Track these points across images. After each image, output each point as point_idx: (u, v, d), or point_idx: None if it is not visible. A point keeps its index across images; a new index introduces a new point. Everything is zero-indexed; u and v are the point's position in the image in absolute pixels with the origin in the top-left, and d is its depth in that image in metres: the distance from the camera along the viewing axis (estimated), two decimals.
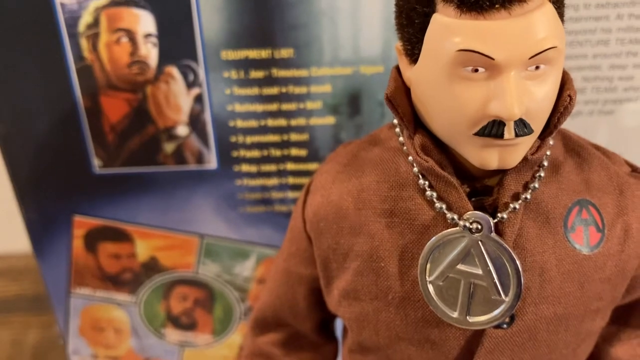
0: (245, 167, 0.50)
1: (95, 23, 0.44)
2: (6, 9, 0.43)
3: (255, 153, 0.49)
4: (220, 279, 0.55)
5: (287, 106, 0.48)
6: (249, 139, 0.49)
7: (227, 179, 0.51)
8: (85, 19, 0.44)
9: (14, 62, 0.46)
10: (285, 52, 0.45)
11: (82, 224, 0.52)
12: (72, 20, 0.43)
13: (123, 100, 0.47)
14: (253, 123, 0.48)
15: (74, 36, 0.44)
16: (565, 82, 0.27)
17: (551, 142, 0.28)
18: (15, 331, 0.86)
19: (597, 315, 0.31)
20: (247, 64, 0.46)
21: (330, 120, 0.48)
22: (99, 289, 0.56)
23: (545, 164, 0.28)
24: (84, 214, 0.52)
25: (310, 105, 0.47)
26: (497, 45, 0.23)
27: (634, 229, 0.30)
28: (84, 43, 0.45)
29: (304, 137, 0.48)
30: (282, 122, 0.48)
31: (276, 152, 0.49)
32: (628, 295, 0.33)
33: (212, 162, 0.50)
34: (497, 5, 0.23)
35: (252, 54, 0.46)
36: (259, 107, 0.47)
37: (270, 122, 0.48)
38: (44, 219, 0.53)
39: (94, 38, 0.44)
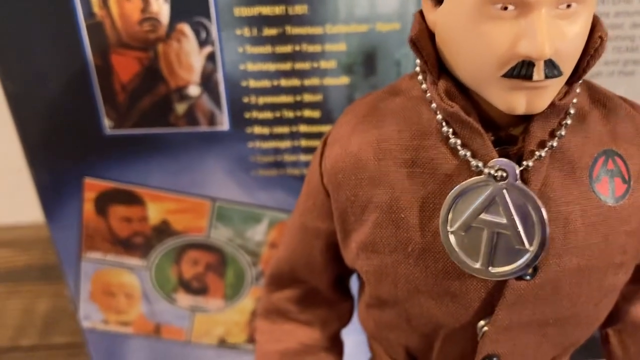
0: (257, 129, 0.50)
1: None
2: None
3: (267, 114, 0.49)
4: (232, 243, 0.55)
5: (300, 65, 0.48)
6: (262, 100, 0.49)
7: (239, 141, 0.51)
8: None
9: (23, 20, 0.46)
10: (299, 9, 0.46)
11: (93, 186, 0.53)
12: None
13: (134, 58, 0.47)
14: (266, 83, 0.48)
15: None
16: (595, 24, 0.26)
17: (578, 90, 0.28)
18: (25, 300, 0.88)
19: (621, 269, 0.30)
20: (260, 21, 0.46)
21: (344, 80, 0.47)
22: (109, 253, 0.57)
23: (572, 111, 0.27)
24: (95, 176, 0.53)
25: (324, 64, 0.47)
26: None
27: None
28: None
29: (317, 97, 0.48)
30: (295, 82, 0.48)
31: (289, 114, 0.49)
32: None
33: (224, 123, 0.50)
34: None
35: (266, 10, 0.46)
36: (271, 66, 0.48)
37: (284, 82, 0.48)
38: (54, 181, 0.54)
39: None
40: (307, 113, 0.49)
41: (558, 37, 0.24)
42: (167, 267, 0.57)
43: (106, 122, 0.50)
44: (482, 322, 0.30)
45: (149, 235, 0.56)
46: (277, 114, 0.49)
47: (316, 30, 0.46)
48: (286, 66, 0.48)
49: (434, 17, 0.26)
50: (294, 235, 0.34)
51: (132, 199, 0.54)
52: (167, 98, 0.49)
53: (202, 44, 0.47)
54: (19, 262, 0.96)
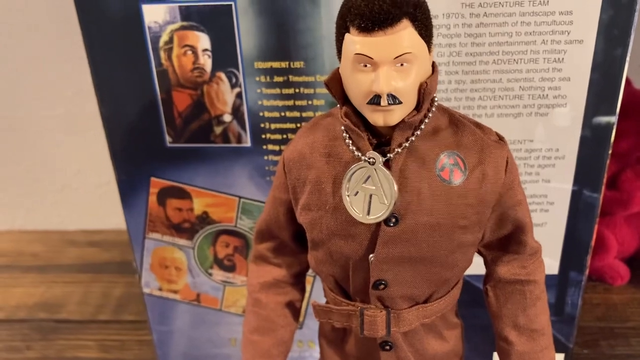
0: (270, 146, 0.66)
1: (170, 40, 0.61)
2: (115, 32, 0.62)
3: (277, 136, 0.65)
4: (252, 231, 0.73)
5: (299, 102, 0.63)
6: (273, 126, 0.65)
7: (258, 155, 0.66)
8: (164, 37, 0.61)
9: (116, 66, 0.63)
10: (297, 64, 0.61)
11: (156, 183, 0.69)
12: (155, 39, 0.61)
13: (187, 95, 0.64)
14: (276, 114, 0.64)
15: (156, 49, 0.62)
16: (434, 71, 0.43)
17: (430, 114, 0.44)
18: (104, 286, 1.07)
19: (467, 231, 0.45)
20: (271, 72, 0.62)
21: None
22: (165, 234, 0.73)
23: (423, 127, 0.44)
24: (158, 176, 0.69)
25: (316, 102, 0.63)
26: (375, 51, 0.39)
27: (489, 174, 0.45)
28: (162, 54, 0.62)
29: None
30: (296, 113, 0.64)
31: (292, 136, 0.67)
32: (502, 228, 0.48)
33: (247, 141, 0.66)
34: (376, 29, 0.40)
35: (275, 64, 0.61)
36: (279, 103, 0.63)
37: (288, 114, 0.64)
38: (130, 179, 0.69)
39: (168, 51, 0.62)
40: None
41: (394, 81, 0.40)
42: (205, 247, 0.73)
43: (167, 138, 0.66)
44: (371, 255, 0.45)
45: (193, 222, 0.71)
46: (284, 135, 0.65)
47: (310, 79, 0.62)
48: (289, 102, 0.63)
49: (340, 69, 0.45)
50: (269, 203, 0.51)
51: (183, 194, 0.69)
52: (209, 122, 0.65)
53: (233, 86, 0.63)
54: (102, 258, 1.17)
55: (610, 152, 0.64)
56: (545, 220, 0.68)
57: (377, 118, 0.42)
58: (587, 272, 0.72)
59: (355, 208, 0.44)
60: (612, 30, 0.58)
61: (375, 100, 0.40)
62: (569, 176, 0.66)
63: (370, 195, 0.44)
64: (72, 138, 1.17)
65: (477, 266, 0.54)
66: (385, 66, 0.40)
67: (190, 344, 0.82)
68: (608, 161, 0.65)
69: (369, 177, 0.44)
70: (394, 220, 0.44)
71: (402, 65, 0.40)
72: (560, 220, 0.68)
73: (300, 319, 0.78)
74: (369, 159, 0.43)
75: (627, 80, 0.95)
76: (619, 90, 0.61)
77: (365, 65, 0.40)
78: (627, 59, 0.60)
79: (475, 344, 0.76)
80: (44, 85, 1.13)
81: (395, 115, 0.42)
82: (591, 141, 0.63)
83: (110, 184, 1.21)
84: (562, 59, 0.60)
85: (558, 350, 0.77)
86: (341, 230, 0.46)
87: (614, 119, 0.62)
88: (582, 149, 0.64)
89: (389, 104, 0.40)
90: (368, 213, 0.44)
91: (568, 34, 0.59)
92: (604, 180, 0.66)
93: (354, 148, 0.44)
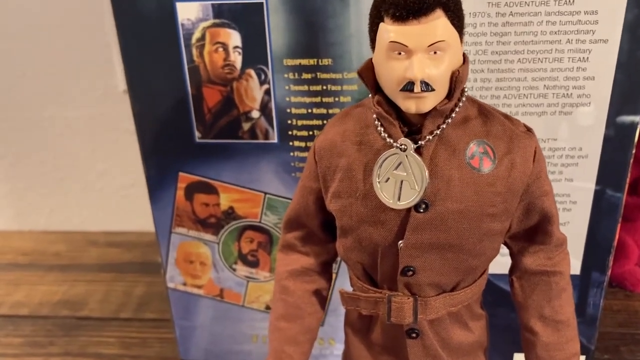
0: (297, 143, 0.67)
1: (202, 37, 0.63)
2: (149, 29, 0.64)
3: (304, 133, 0.67)
4: (277, 227, 0.73)
5: (326, 99, 0.65)
6: (300, 122, 0.66)
7: (285, 151, 0.68)
8: (196, 35, 0.63)
9: (149, 63, 0.65)
10: (326, 61, 0.62)
11: (184, 178, 0.71)
12: (188, 36, 0.63)
13: (217, 91, 0.65)
14: (303, 110, 0.65)
15: (188, 46, 0.64)
16: (465, 61, 0.44)
17: (460, 104, 0.46)
18: (127, 285, 1.08)
19: (495, 219, 0.46)
20: (300, 69, 0.63)
21: None
22: (191, 229, 0.74)
23: (454, 115, 0.45)
24: (186, 171, 0.70)
25: (342, 99, 0.64)
26: (409, 39, 0.41)
27: (518, 163, 0.46)
28: (194, 51, 0.63)
29: None
30: (323, 110, 0.65)
31: (318, 133, 0.68)
32: (529, 218, 0.49)
33: (274, 138, 0.67)
34: (410, 18, 0.41)
35: (304, 62, 0.63)
36: (307, 99, 0.65)
37: (315, 110, 0.65)
38: (158, 174, 0.71)
39: (200, 48, 0.64)
40: None
41: (428, 68, 0.42)
42: (230, 243, 0.74)
43: (196, 134, 0.68)
44: (400, 242, 0.46)
45: (219, 217, 0.73)
46: (311, 132, 0.66)
47: (337, 76, 0.63)
48: (317, 99, 0.64)
49: (373, 58, 0.46)
50: (298, 192, 0.52)
51: (210, 190, 0.71)
52: (238, 119, 0.66)
53: (262, 83, 0.64)
54: (125, 258, 1.18)
55: (634, 151, 0.65)
56: (567, 219, 0.69)
57: (410, 105, 0.43)
58: (609, 272, 0.72)
59: (386, 194, 0.46)
60: (637, 30, 0.59)
61: (408, 86, 0.42)
62: (592, 175, 0.66)
63: (402, 182, 0.45)
64: (97, 139, 1.20)
65: (499, 265, 0.55)
66: (419, 54, 0.41)
67: (212, 339, 0.83)
68: (631, 161, 0.65)
69: (400, 164, 0.45)
70: (423, 206, 0.45)
71: (435, 53, 0.42)
72: (582, 220, 0.69)
73: None
74: (401, 145, 0.44)
75: None
76: None
77: (400, 53, 0.42)
78: None
79: (496, 343, 0.76)
80: (70, 86, 1.15)
81: (428, 102, 0.43)
82: (615, 140, 0.64)
83: (135, 186, 1.23)
84: (587, 58, 0.61)
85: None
86: (371, 217, 0.47)
87: (638, 119, 0.63)
88: (605, 148, 0.65)
89: (422, 90, 0.42)
90: (399, 199, 0.45)
91: (593, 33, 0.60)
92: (627, 180, 0.66)
93: (386, 135, 0.45)
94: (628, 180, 0.67)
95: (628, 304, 0.97)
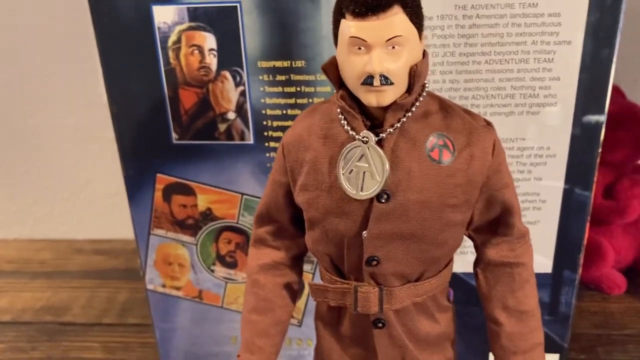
0: (272, 144, 0.69)
1: (178, 40, 0.65)
2: (126, 32, 0.66)
3: (279, 133, 0.68)
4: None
5: (300, 100, 0.66)
6: (275, 123, 0.67)
7: (261, 152, 0.69)
8: (172, 38, 0.64)
9: (126, 65, 0.66)
10: (299, 63, 0.64)
11: (162, 180, 0.72)
12: (164, 39, 0.64)
13: (194, 93, 0.66)
14: (278, 112, 0.67)
15: (164, 49, 0.65)
16: (424, 56, 0.46)
17: (421, 98, 0.47)
18: (110, 291, 1.09)
19: (455, 210, 0.47)
20: (274, 71, 0.65)
21: None
22: (169, 231, 0.75)
23: (414, 109, 0.47)
24: (164, 172, 0.71)
25: (316, 100, 0.66)
26: (368, 34, 0.43)
27: (477, 155, 0.47)
28: (171, 54, 0.65)
29: None
30: (297, 111, 0.67)
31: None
32: (491, 210, 0.50)
33: (250, 139, 0.68)
34: (369, 14, 0.43)
35: (278, 63, 0.64)
36: (281, 101, 0.66)
37: (290, 111, 0.67)
38: (137, 175, 0.71)
39: (177, 50, 0.65)
40: None
41: (386, 62, 0.43)
42: (208, 244, 0.75)
43: (174, 135, 0.69)
44: (364, 232, 0.47)
45: (197, 219, 0.73)
46: None
47: (310, 77, 0.64)
48: (291, 101, 0.66)
49: (336, 54, 0.47)
50: (268, 187, 0.53)
51: (188, 191, 0.72)
52: (214, 120, 0.67)
53: (237, 84, 0.65)
54: (109, 265, 1.19)
55: (600, 150, 0.66)
56: (538, 218, 0.70)
57: (371, 98, 0.44)
58: (580, 270, 0.73)
59: (350, 185, 0.47)
60: (599, 32, 0.61)
61: (368, 80, 0.43)
62: (560, 174, 0.68)
63: (364, 173, 0.46)
64: (81, 148, 1.21)
65: (470, 264, 0.56)
66: (377, 48, 0.43)
67: (192, 342, 0.83)
68: (598, 160, 0.67)
69: (362, 156, 0.46)
70: (385, 196, 0.46)
71: (393, 48, 0.43)
72: (552, 219, 0.70)
73: (299, 317, 0.79)
74: (363, 137, 0.46)
75: (621, 93, 0.98)
76: (607, 90, 0.64)
77: (360, 48, 0.43)
78: (614, 60, 0.62)
79: (471, 342, 0.77)
80: (55, 95, 1.16)
81: (388, 96, 0.44)
82: (581, 139, 0.66)
83: (119, 194, 1.24)
84: (552, 59, 0.63)
85: (553, 351, 0.78)
86: (336, 208, 0.48)
87: (603, 118, 0.65)
88: (573, 147, 0.66)
89: (381, 84, 0.43)
90: (361, 189, 0.46)
91: (557, 35, 0.62)
92: (595, 179, 0.68)
93: (349, 128, 0.47)
94: (595, 179, 0.68)
95: (605, 305, 0.98)
